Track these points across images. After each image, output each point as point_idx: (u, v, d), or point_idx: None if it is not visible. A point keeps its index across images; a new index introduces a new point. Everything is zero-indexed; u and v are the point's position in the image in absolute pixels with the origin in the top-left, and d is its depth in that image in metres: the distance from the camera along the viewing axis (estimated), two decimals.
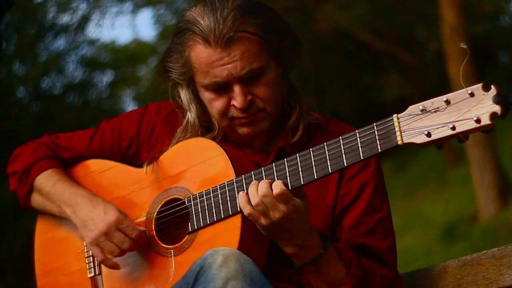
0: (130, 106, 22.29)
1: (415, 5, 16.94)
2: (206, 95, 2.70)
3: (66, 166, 2.98)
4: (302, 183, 2.47)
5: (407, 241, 13.03)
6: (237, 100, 2.62)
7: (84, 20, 19.77)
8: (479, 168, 12.08)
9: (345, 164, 2.41)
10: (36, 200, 2.94)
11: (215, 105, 2.68)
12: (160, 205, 2.74)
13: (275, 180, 2.47)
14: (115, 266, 2.76)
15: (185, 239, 2.66)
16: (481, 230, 11.92)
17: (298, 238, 2.50)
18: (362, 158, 2.38)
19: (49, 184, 2.89)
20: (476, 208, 12.50)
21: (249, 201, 2.49)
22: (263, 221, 2.47)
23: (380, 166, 2.74)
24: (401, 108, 2.33)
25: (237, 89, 2.62)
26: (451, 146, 16.07)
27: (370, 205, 2.67)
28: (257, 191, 2.46)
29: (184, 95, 2.78)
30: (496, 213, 12.01)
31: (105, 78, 21.51)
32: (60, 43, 19.92)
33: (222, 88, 2.64)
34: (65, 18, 19.55)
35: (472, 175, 12.31)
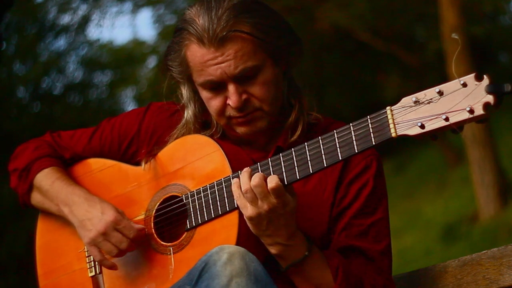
0: (130, 106, 22.28)
1: (415, 5, 16.92)
2: (203, 94, 2.70)
3: (67, 165, 2.97)
4: (298, 178, 2.47)
5: (407, 241, 13.04)
6: (232, 100, 2.63)
7: (85, 20, 19.77)
8: (479, 168, 12.08)
9: (340, 158, 2.41)
10: (36, 198, 2.94)
11: (212, 104, 2.68)
12: (158, 203, 2.74)
13: (270, 175, 2.48)
14: (113, 267, 2.76)
15: (183, 236, 2.66)
16: (481, 230, 11.92)
17: (281, 236, 2.50)
18: (356, 151, 2.37)
19: (48, 182, 2.89)
20: (476, 208, 12.50)
21: (240, 187, 2.51)
22: (249, 209, 2.47)
23: (381, 169, 2.71)
24: None
25: (231, 88, 2.62)
26: (451, 146, 16.07)
27: (365, 208, 2.66)
28: (249, 179, 2.47)
29: (184, 93, 2.79)
30: (496, 213, 12.01)
31: (105, 78, 21.52)
32: (61, 43, 19.96)
33: (218, 87, 2.64)
34: (65, 18, 19.57)
35: (472, 175, 12.31)
